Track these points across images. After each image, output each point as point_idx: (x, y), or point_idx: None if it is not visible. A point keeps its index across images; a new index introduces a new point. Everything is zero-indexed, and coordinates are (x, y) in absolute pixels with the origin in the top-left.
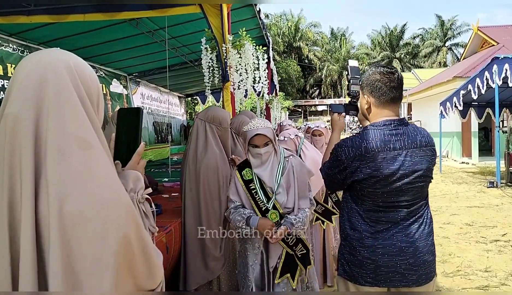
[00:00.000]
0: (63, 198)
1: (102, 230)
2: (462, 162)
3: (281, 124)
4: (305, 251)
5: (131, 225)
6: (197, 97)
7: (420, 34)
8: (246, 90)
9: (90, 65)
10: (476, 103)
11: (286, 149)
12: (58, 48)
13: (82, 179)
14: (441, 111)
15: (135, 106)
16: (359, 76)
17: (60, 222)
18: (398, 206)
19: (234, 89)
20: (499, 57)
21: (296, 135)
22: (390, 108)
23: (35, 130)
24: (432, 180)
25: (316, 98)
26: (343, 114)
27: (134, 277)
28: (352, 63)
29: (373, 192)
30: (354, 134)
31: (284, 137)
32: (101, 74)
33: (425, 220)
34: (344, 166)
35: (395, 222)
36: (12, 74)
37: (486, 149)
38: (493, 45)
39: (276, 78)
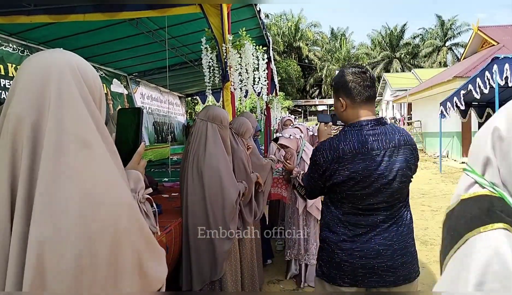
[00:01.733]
0: (59, 196)
1: (99, 229)
2: (462, 162)
3: (283, 119)
4: None
5: (133, 225)
6: (197, 97)
7: (420, 34)
8: (247, 90)
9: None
10: (476, 103)
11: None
12: (61, 48)
13: (80, 178)
14: (441, 111)
15: (137, 105)
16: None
17: (54, 221)
18: (378, 208)
19: (234, 89)
20: (499, 57)
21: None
22: (366, 108)
23: (37, 130)
24: (412, 179)
25: (316, 98)
26: (330, 123)
27: (136, 278)
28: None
29: (352, 194)
30: (332, 136)
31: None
32: (101, 74)
33: (404, 221)
34: (323, 169)
35: (374, 225)
36: (13, 74)
37: None
38: (493, 45)
39: (276, 78)
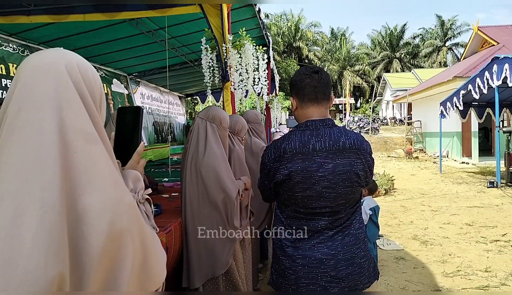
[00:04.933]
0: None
1: (107, 228)
2: (462, 162)
3: (275, 134)
4: None
5: (134, 224)
6: (197, 97)
7: (420, 34)
8: (247, 90)
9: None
10: (476, 103)
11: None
12: (61, 47)
13: (88, 174)
14: (441, 111)
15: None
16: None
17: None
18: (320, 213)
19: (234, 89)
20: (499, 57)
21: None
22: (313, 109)
23: (39, 129)
24: (361, 186)
25: None
26: None
27: (137, 278)
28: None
29: (292, 196)
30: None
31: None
32: (101, 74)
33: (350, 231)
34: (268, 169)
35: (316, 231)
36: (14, 73)
37: (486, 149)
38: (493, 45)
39: (277, 79)
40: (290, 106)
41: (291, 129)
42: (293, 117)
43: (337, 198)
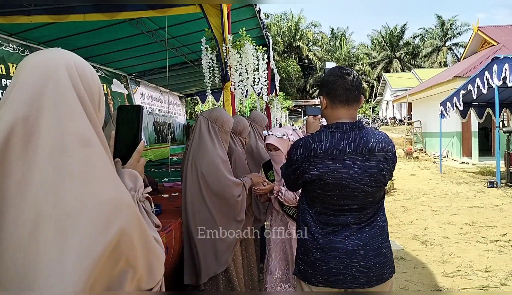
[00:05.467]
0: (61, 196)
1: (102, 228)
2: (462, 162)
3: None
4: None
5: (133, 224)
6: (197, 97)
7: (420, 34)
8: (247, 90)
9: (91, 65)
10: (476, 103)
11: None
12: (60, 47)
13: (83, 177)
14: (441, 111)
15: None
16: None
17: (56, 219)
18: (348, 210)
19: (234, 89)
20: (499, 57)
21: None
22: (344, 110)
23: (33, 129)
24: (385, 185)
25: (316, 98)
26: (319, 116)
27: (137, 277)
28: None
29: (322, 194)
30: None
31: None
32: (101, 74)
33: (377, 223)
34: (296, 166)
35: (345, 225)
36: (13, 73)
37: (486, 149)
38: (493, 45)
39: (277, 79)
40: (321, 107)
41: (321, 127)
42: (311, 106)
43: (365, 196)
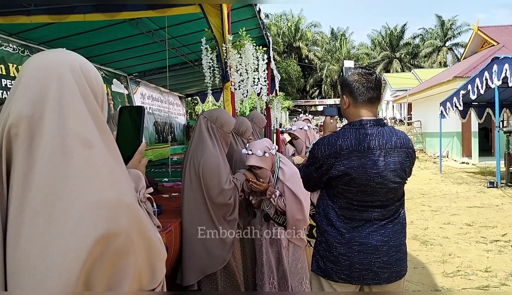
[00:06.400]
0: (63, 198)
1: (102, 229)
2: (462, 162)
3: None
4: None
5: (133, 224)
6: (197, 97)
7: (420, 34)
8: (247, 91)
9: None
10: (476, 103)
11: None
12: (64, 48)
13: (84, 178)
14: (441, 111)
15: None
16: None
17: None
18: (372, 206)
19: (234, 89)
20: (499, 57)
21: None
22: (367, 108)
23: (37, 129)
24: (406, 182)
25: (316, 98)
26: (336, 117)
27: (139, 278)
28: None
29: (347, 190)
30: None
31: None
32: (101, 74)
33: (399, 220)
34: (320, 163)
35: (369, 220)
36: (14, 74)
37: (486, 149)
38: (493, 45)
39: (277, 79)
40: (341, 106)
41: (343, 126)
42: (327, 106)
43: (388, 192)
